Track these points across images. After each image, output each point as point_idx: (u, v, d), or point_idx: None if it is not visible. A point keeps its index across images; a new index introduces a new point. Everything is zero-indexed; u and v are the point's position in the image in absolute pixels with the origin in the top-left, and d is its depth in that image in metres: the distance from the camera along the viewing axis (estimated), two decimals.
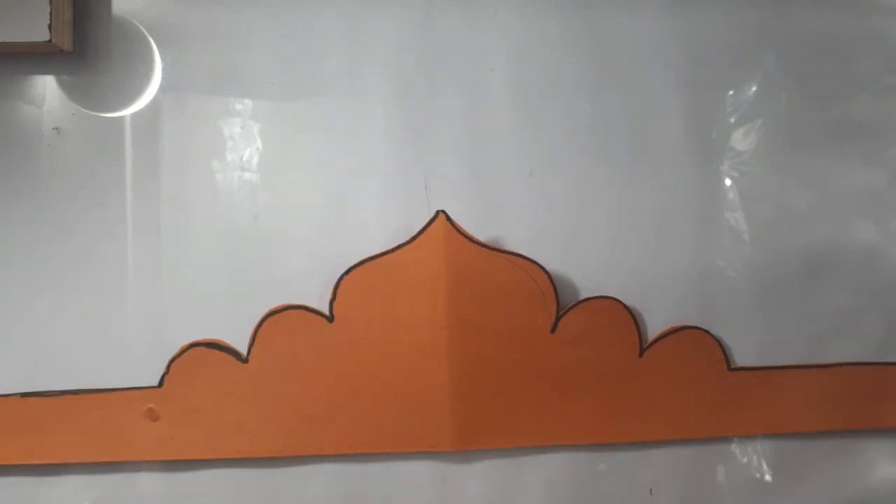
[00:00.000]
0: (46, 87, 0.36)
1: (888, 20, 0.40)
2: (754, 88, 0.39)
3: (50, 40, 0.33)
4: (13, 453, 0.34)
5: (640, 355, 0.37)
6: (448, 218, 0.35)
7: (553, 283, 0.36)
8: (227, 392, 0.35)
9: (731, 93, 0.39)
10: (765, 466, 0.38)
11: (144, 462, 0.35)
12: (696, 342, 0.37)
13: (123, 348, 0.35)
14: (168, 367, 0.35)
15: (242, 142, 0.37)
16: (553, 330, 0.36)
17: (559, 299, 0.36)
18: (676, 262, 0.38)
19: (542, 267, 0.36)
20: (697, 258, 0.38)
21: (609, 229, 0.38)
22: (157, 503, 0.35)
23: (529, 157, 0.38)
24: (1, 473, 0.35)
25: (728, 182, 0.39)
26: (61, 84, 0.36)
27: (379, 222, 0.36)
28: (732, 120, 0.39)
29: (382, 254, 0.35)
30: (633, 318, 0.37)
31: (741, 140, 0.39)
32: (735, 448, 0.38)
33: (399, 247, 0.35)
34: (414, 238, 0.35)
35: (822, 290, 0.39)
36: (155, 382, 0.35)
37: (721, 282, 0.38)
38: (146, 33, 0.37)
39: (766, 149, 0.39)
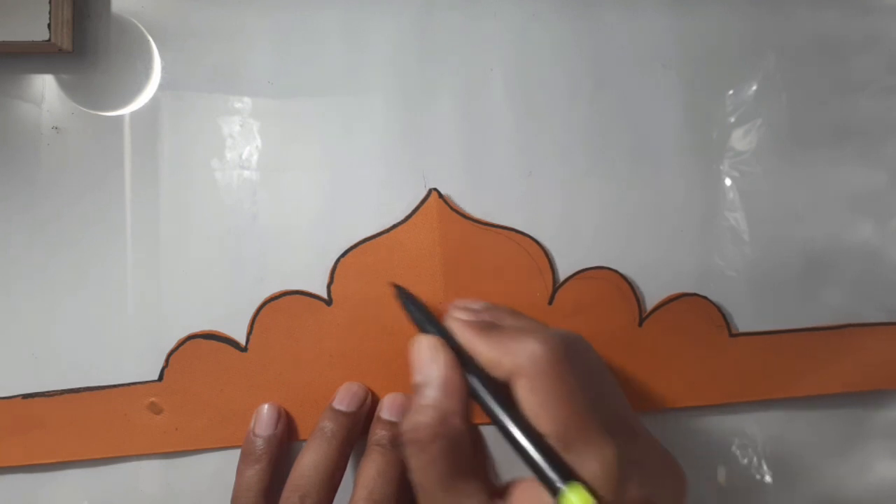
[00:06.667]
0: (45, 86, 0.36)
1: (888, 20, 0.40)
2: (754, 88, 0.39)
3: (49, 39, 0.34)
4: (19, 454, 0.34)
5: (640, 325, 0.37)
6: (440, 195, 0.36)
7: (548, 255, 0.36)
8: (228, 381, 0.35)
9: (731, 93, 0.39)
10: (768, 437, 0.38)
11: (148, 456, 0.35)
12: (695, 309, 0.37)
13: (124, 345, 0.35)
14: (167, 360, 0.35)
15: (242, 140, 0.37)
16: (550, 302, 0.36)
17: (555, 272, 0.36)
18: (676, 261, 0.38)
19: (536, 240, 0.36)
20: (697, 258, 0.38)
21: (608, 229, 0.38)
22: (161, 495, 0.35)
23: (529, 157, 0.37)
24: (0, 472, 0.35)
25: (728, 182, 0.38)
26: (60, 83, 0.36)
27: (378, 221, 0.36)
28: (732, 120, 0.39)
29: (377, 234, 0.36)
30: (631, 287, 0.37)
31: (741, 140, 0.39)
32: (738, 416, 0.38)
33: (394, 226, 0.36)
34: (408, 217, 0.36)
35: (822, 289, 0.39)
36: (155, 377, 0.35)
37: (721, 282, 0.38)
38: (146, 32, 0.37)
39: (766, 149, 0.39)
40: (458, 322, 0.29)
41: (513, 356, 0.26)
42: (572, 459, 0.25)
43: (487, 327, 0.29)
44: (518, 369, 0.26)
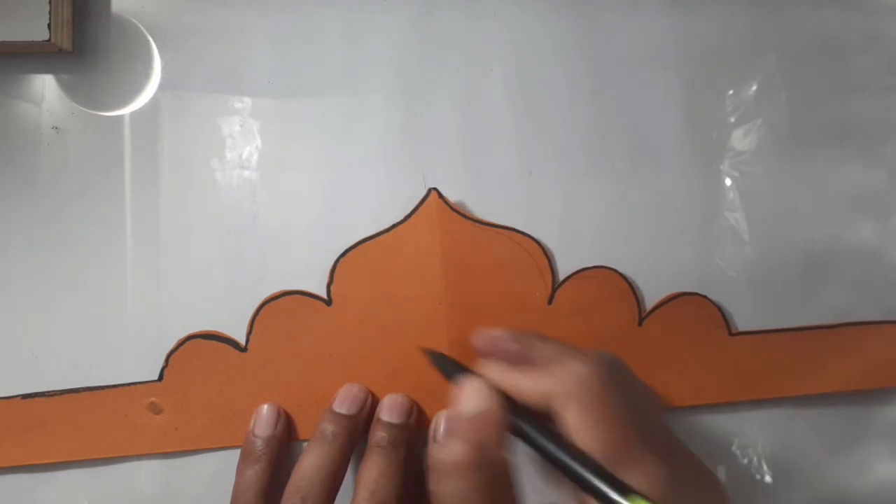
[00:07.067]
0: (45, 86, 0.36)
1: (888, 20, 0.40)
2: (754, 88, 0.39)
3: (49, 39, 0.34)
4: (19, 454, 0.34)
5: (640, 324, 0.37)
6: (440, 195, 0.36)
7: (548, 255, 0.36)
8: (228, 381, 0.35)
9: (731, 93, 0.39)
10: (768, 437, 0.38)
11: (148, 456, 0.35)
12: (695, 308, 0.37)
13: (124, 345, 0.35)
14: (167, 360, 0.35)
15: (242, 140, 0.37)
16: (550, 302, 0.36)
17: (555, 272, 0.36)
18: (676, 261, 0.38)
19: (536, 240, 0.36)
20: (697, 258, 0.38)
21: (608, 229, 0.38)
22: (161, 495, 0.35)
23: (528, 157, 0.37)
24: (0, 472, 0.35)
25: (728, 182, 0.39)
26: (60, 83, 0.36)
27: (378, 221, 0.36)
28: (732, 120, 0.39)
29: (377, 234, 0.36)
30: (631, 287, 0.37)
31: (741, 140, 0.39)
32: (738, 416, 0.38)
33: (394, 226, 0.36)
34: (408, 217, 0.36)
35: (822, 289, 0.39)
36: (155, 377, 0.35)
37: (721, 282, 0.38)
38: (145, 32, 0.37)
39: (766, 149, 0.39)
40: (492, 364, 0.29)
41: (558, 380, 0.26)
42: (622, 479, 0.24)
43: (522, 362, 0.28)
44: (566, 392, 0.26)
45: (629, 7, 0.39)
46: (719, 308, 0.37)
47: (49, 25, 0.33)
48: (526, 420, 0.27)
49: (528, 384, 0.27)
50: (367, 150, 0.37)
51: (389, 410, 0.34)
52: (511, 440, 0.27)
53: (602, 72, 0.38)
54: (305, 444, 0.34)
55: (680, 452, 0.27)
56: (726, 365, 0.37)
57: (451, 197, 0.36)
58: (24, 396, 0.35)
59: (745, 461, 0.38)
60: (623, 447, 0.25)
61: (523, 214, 0.37)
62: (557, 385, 0.26)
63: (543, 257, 0.36)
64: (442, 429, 0.34)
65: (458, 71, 0.38)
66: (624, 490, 0.24)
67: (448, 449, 0.26)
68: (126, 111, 0.36)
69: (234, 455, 0.34)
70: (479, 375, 0.29)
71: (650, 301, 0.37)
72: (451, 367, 0.31)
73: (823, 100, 0.39)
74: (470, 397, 0.28)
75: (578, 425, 0.25)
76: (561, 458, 0.26)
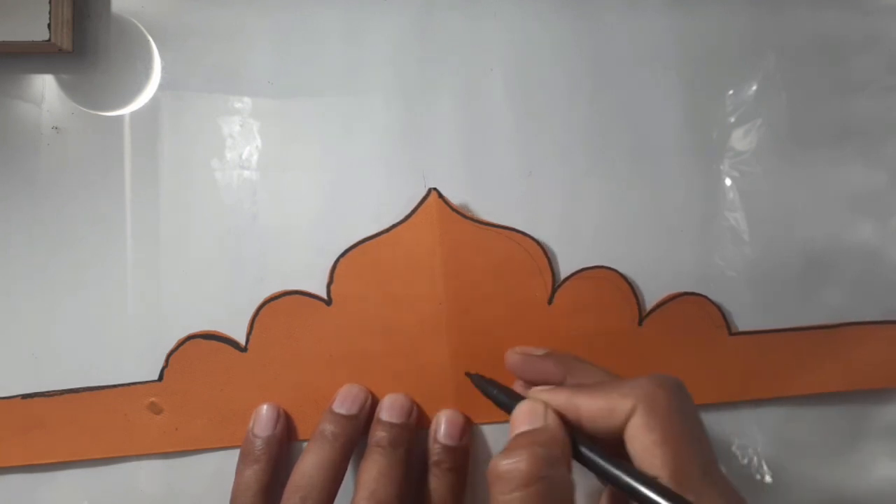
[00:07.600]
0: (45, 86, 0.36)
1: (888, 20, 0.40)
2: (754, 88, 0.39)
3: (49, 39, 0.34)
4: (19, 454, 0.34)
5: (640, 324, 0.37)
6: (440, 195, 0.36)
7: (548, 255, 0.36)
8: (228, 381, 0.35)
9: (731, 93, 0.39)
10: (768, 436, 0.38)
11: (148, 456, 0.35)
12: (695, 308, 0.37)
13: (124, 345, 0.35)
14: (167, 360, 0.35)
15: (242, 140, 0.37)
16: (550, 302, 0.36)
17: (555, 271, 0.36)
18: (676, 261, 0.38)
19: (536, 240, 0.36)
20: (697, 258, 0.38)
21: (608, 229, 0.38)
22: (161, 494, 0.35)
23: (528, 157, 0.37)
24: (0, 472, 0.35)
25: (728, 182, 0.39)
26: (60, 83, 0.36)
27: (378, 221, 0.36)
28: (732, 120, 0.39)
29: (377, 234, 0.36)
30: (631, 287, 0.37)
31: (741, 140, 0.39)
32: (738, 416, 0.38)
33: (394, 226, 0.36)
34: (408, 217, 0.36)
35: (822, 289, 0.39)
36: (155, 377, 0.35)
37: (721, 281, 0.38)
38: (146, 32, 0.37)
39: (766, 149, 0.39)
40: (547, 391, 0.28)
41: (627, 398, 0.26)
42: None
43: (581, 385, 0.28)
44: (631, 407, 0.25)
45: (629, 7, 0.39)
46: (719, 308, 0.37)
47: (49, 25, 0.34)
48: (584, 441, 0.26)
49: (593, 403, 0.26)
50: (367, 150, 0.37)
51: (389, 410, 0.34)
52: (572, 464, 0.26)
53: (602, 72, 0.38)
54: (305, 444, 0.34)
55: (732, 494, 0.26)
56: (726, 365, 0.37)
57: (451, 197, 0.36)
58: (24, 396, 0.35)
59: (745, 461, 0.38)
60: (687, 473, 0.24)
61: (523, 214, 0.37)
62: (623, 400, 0.26)
63: (543, 257, 0.36)
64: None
65: (458, 71, 0.38)
66: None
67: (511, 458, 0.25)
68: (126, 111, 0.36)
69: (234, 455, 0.34)
70: (534, 397, 0.28)
71: (650, 301, 0.37)
72: (502, 394, 0.30)
73: (823, 100, 0.39)
74: (530, 416, 0.27)
75: (643, 441, 0.25)
76: (626, 481, 0.25)
